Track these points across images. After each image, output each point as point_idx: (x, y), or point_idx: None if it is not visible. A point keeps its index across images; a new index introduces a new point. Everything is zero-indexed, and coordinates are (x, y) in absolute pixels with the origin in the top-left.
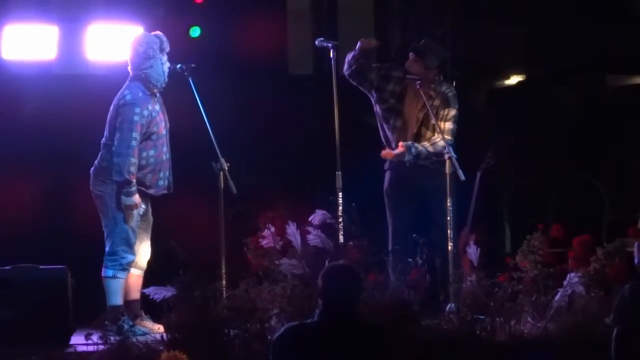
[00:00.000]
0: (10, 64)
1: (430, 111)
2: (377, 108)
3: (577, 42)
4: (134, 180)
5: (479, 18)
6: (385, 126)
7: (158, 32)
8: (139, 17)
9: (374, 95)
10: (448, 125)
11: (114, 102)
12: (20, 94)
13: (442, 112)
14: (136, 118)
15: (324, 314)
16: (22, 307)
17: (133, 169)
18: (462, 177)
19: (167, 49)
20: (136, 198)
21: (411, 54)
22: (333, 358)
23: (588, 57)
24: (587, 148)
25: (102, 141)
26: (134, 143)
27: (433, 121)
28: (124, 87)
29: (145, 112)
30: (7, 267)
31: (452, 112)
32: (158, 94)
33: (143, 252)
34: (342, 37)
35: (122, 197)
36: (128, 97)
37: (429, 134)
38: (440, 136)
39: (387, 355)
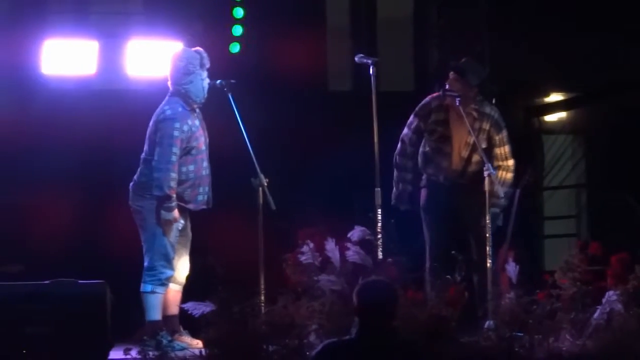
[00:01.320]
0: (50, 79)
1: (478, 135)
2: (427, 144)
3: (616, 60)
4: (174, 195)
5: (517, 36)
6: (437, 157)
7: (198, 48)
8: (179, 33)
9: (425, 134)
10: (507, 149)
11: (154, 117)
12: (60, 109)
13: (496, 137)
14: (176, 133)
15: (361, 331)
16: (60, 321)
17: (173, 183)
18: (501, 194)
19: (207, 65)
20: (175, 213)
21: (451, 72)
22: None
23: (627, 74)
24: (626, 167)
25: (141, 156)
26: (174, 158)
27: (484, 145)
28: (163, 102)
29: (185, 127)
30: (46, 282)
31: (505, 132)
32: (198, 110)
33: (182, 267)
34: (382, 54)
35: (162, 212)
36: (168, 112)
37: (476, 157)
38: (505, 172)
39: None
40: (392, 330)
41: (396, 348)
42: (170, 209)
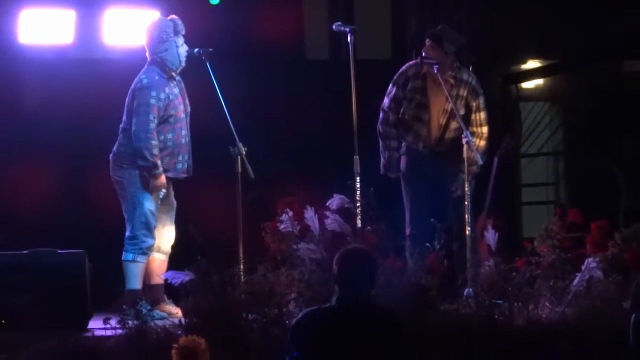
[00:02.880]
0: (27, 48)
1: (456, 102)
2: (406, 112)
3: (594, 28)
4: (159, 162)
5: (495, 3)
6: (416, 125)
7: (173, 16)
8: (156, 2)
9: (403, 102)
10: (483, 115)
11: (132, 86)
12: (37, 78)
13: (473, 103)
14: (152, 101)
15: (340, 299)
16: (40, 291)
17: (156, 151)
18: (480, 162)
19: (183, 32)
20: (162, 179)
21: (428, 40)
22: (350, 342)
23: (605, 42)
24: (604, 134)
25: (120, 126)
26: (152, 126)
27: (462, 112)
28: (141, 71)
29: (162, 95)
30: (24, 252)
31: (482, 99)
32: (178, 78)
33: (166, 236)
34: (359, 22)
35: (150, 180)
36: (144, 80)
37: (454, 124)
38: (479, 140)
39: (403, 340)
40: (372, 298)
41: (375, 316)
42: (157, 176)
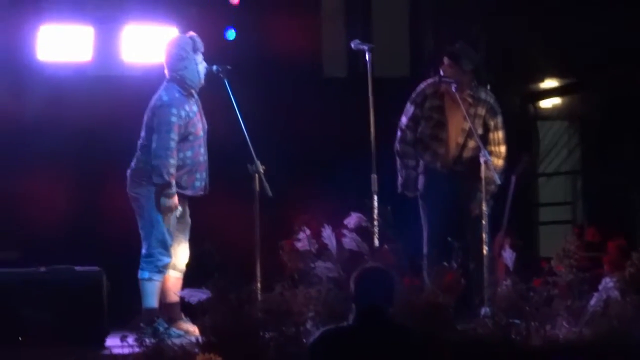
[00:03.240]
0: (45, 65)
1: (474, 121)
2: (424, 131)
3: (610, 40)
4: (174, 182)
5: (512, 20)
6: (434, 144)
7: (191, 33)
8: (174, 19)
9: (421, 121)
10: (501, 134)
11: (151, 103)
12: (56, 95)
13: (491, 122)
14: (173, 119)
15: (358, 318)
16: (57, 308)
17: (173, 170)
18: (498, 181)
19: (202, 49)
20: (175, 199)
21: (445, 58)
22: None
23: (621, 55)
24: (621, 153)
25: (138, 142)
26: (172, 144)
27: (480, 131)
28: (160, 88)
29: (182, 113)
30: (42, 269)
31: (500, 118)
32: (196, 96)
33: (181, 254)
34: (377, 39)
35: (162, 199)
36: (165, 98)
37: (472, 143)
38: (497, 159)
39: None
40: (389, 317)
41: (393, 335)
42: (170, 196)
